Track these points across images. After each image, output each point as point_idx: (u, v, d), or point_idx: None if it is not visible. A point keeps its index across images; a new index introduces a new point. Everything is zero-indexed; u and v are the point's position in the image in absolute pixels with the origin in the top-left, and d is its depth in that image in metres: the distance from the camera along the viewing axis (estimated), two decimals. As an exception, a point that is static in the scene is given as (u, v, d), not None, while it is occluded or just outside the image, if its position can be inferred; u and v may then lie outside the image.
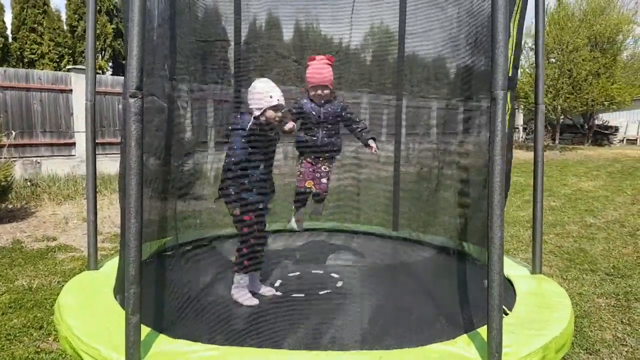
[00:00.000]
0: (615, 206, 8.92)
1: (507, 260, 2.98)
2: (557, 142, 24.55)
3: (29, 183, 8.44)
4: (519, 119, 26.69)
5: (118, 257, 2.87)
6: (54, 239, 6.36)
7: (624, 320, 3.95)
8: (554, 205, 8.80)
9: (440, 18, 2.96)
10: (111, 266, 2.82)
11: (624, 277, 4.97)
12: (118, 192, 2.77)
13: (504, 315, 2.08)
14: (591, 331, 3.75)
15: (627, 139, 28.43)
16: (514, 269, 2.78)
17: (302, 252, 3.59)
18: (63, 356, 3.34)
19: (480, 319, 1.96)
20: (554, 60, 21.88)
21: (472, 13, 2.62)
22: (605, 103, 22.78)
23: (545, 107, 22.15)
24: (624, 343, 3.57)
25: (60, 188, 8.90)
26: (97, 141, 11.88)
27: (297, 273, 3.07)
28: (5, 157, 8.07)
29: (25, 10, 14.85)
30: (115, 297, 2.31)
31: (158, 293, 2.21)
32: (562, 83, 21.64)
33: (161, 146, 2.49)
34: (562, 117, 24.76)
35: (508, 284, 2.56)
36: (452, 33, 2.81)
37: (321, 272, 2.78)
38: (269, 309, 2.43)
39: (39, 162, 10.21)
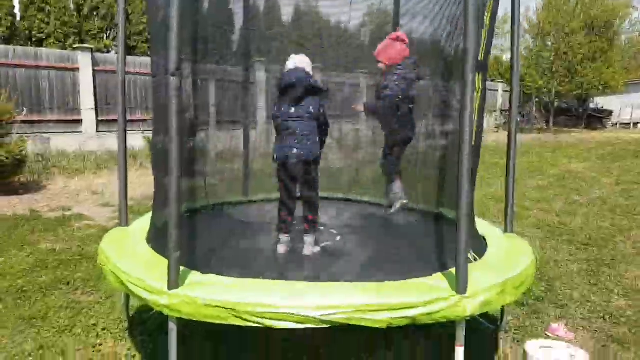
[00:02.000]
0: (601, 186, 9.31)
1: (484, 222, 3.41)
2: (551, 125, 24.90)
3: (40, 158, 8.82)
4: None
5: (147, 215, 3.31)
6: (69, 209, 6.76)
7: (591, 282, 4.40)
8: (542, 184, 9.20)
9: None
10: (139, 224, 3.23)
11: (598, 247, 5.41)
12: (151, 160, 3.19)
13: (473, 260, 2.52)
14: (561, 290, 4.20)
15: (620, 123, 28.84)
16: (488, 229, 3.20)
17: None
18: (92, 305, 3.77)
19: (452, 264, 2.38)
20: (550, 43, 22.13)
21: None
22: (600, 87, 23.06)
23: (541, 90, 22.65)
24: (589, 300, 4.02)
25: (69, 163, 9.29)
26: (104, 118, 12.31)
27: None
28: (18, 133, 8.43)
29: (34, -10, 15.06)
30: (149, 244, 2.73)
31: (190, 240, 2.63)
32: (558, 66, 21.93)
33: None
34: (556, 100, 25.06)
35: (482, 240, 2.99)
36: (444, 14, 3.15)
37: (322, 228, 3.21)
38: (282, 253, 2.94)
39: (48, 138, 10.55)
